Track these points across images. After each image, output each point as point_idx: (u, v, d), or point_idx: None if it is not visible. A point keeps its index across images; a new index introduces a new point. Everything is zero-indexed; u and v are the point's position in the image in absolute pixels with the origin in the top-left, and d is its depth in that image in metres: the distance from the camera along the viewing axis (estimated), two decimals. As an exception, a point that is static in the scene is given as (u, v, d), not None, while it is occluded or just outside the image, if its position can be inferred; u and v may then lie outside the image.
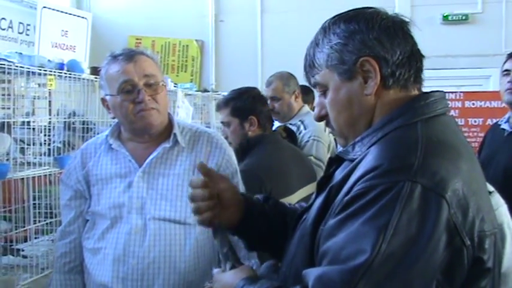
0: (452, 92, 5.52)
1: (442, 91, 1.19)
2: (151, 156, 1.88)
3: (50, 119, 3.00)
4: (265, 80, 6.87)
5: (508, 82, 2.77)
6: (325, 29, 1.20)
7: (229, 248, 1.34)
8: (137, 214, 1.85)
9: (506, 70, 2.83)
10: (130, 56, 1.85)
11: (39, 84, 3.06)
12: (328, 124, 1.25)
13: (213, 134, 2.01)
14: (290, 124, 3.22)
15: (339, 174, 1.16)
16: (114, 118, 1.96)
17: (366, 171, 1.01)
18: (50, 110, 3.18)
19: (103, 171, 1.92)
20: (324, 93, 1.21)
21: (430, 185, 0.97)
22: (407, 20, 1.19)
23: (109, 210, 1.87)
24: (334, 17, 1.21)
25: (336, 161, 1.25)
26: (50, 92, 3.11)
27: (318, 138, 3.10)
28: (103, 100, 1.95)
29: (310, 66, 1.23)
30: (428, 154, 1.00)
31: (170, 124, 1.95)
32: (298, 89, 3.38)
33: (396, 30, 1.14)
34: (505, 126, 2.84)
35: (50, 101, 3.19)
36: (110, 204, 1.88)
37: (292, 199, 2.41)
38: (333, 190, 1.11)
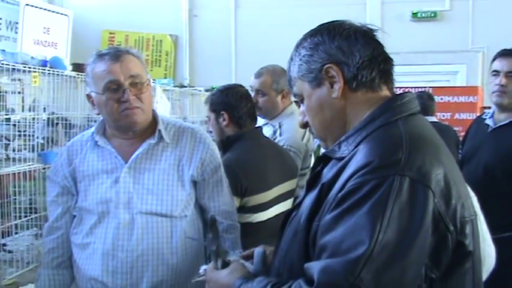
0: (421, 87, 5.68)
1: (412, 92, 1.32)
2: (137, 152, 1.92)
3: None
4: (238, 74, 6.90)
5: (496, 85, 2.70)
6: (297, 45, 1.33)
7: (218, 245, 1.40)
8: (124, 209, 1.89)
9: (495, 71, 2.74)
10: (116, 55, 1.87)
11: (19, 80, 3.05)
12: (310, 130, 1.36)
13: (196, 129, 2.06)
14: (271, 125, 3.08)
15: (327, 172, 1.24)
16: (98, 114, 1.99)
17: (357, 168, 1.10)
18: (23, 106, 3.17)
19: (89, 168, 1.95)
20: (302, 101, 1.34)
21: (417, 177, 1.06)
22: (373, 28, 1.30)
23: (96, 206, 1.91)
24: (304, 34, 1.33)
25: (322, 160, 1.33)
26: (23, 88, 3.11)
27: (291, 147, 2.92)
28: (88, 96, 1.97)
29: (289, 80, 1.37)
30: (412, 149, 1.10)
31: (155, 120, 1.98)
32: (288, 88, 3.13)
33: (357, 37, 1.26)
34: (489, 121, 2.80)
35: (23, 97, 3.18)
36: (97, 199, 1.91)
37: (269, 195, 2.48)
38: (324, 187, 1.18)
